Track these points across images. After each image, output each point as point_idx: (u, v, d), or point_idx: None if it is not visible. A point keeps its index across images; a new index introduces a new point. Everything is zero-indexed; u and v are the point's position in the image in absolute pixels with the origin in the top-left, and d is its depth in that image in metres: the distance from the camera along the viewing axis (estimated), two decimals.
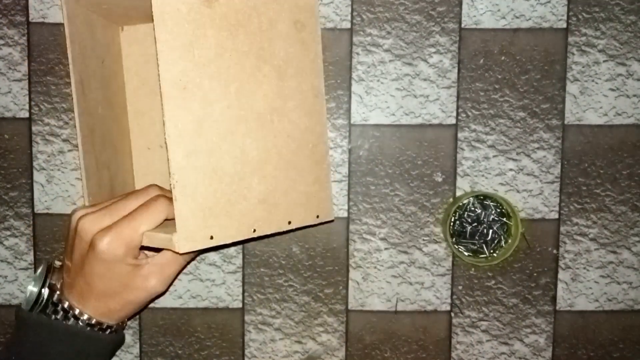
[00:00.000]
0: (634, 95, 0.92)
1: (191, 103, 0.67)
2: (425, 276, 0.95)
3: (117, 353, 0.94)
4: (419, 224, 0.94)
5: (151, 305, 0.93)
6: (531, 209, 0.94)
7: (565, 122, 0.93)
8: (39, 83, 0.91)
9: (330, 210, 0.86)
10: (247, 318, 0.95)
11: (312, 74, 0.83)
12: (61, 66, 0.91)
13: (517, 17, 0.91)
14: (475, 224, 0.92)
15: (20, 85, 0.91)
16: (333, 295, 0.95)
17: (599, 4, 0.91)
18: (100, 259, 0.71)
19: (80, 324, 0.75)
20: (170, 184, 0.65)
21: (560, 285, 0.95)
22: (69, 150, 0.92)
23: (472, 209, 0.92)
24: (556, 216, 0.94)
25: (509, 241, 0.92)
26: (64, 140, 0.92)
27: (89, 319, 0.75)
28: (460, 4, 0.92)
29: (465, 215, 0.92)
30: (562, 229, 0.94)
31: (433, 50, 0.92)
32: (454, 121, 0.93)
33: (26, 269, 0.93)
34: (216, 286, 0.94)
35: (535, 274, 0.95)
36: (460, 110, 0.92)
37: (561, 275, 0.95)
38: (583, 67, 0.92)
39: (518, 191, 0.93)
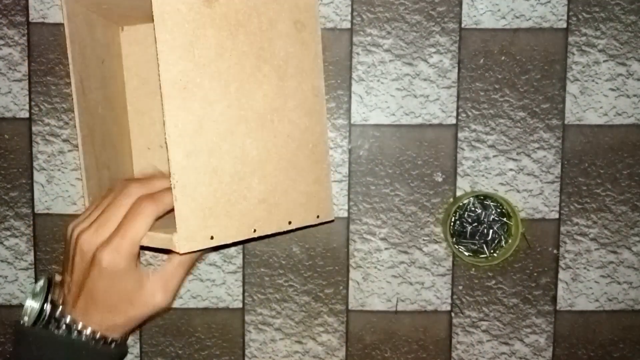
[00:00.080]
0: (634, 95, 0.92)
1: (191, 103, 0.67)
2: (425, 276, 0.95)
3: None
4: (419, 224, 0.94)
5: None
6: (531, 209, 0.94)
7: (566, 122, 0.93)
8: (39, 83, 0.91)
9: (331, 210, 0.86)
10: (247, 318, 0.95)
11: (312, 74, 0.83)
12: (61, 66, 0.91)
13: (517, 17, 0.91)
14: (476, 224, 0.92)
15: (20, 85, 0.91)
16: (333, 295, 0.95)
17: (599, 4, 0.91)
18: (103, 274, 0.70)
19: (84, 338, 0.72)
20: (171, 184, 0.65)
21: (560, 285, 0.95)
22: (69, 151, 0.92)
23: (473, 209, 0.92)
24: (556, 216, 0.94)
25: (509, 241, 0.92)
26: (64, 141, 0.92)
27: (93, 333, 0.72)
28: (460, 4, 0.92)
29: (466, 215, 0.92)
30: (562, 228, 0.94)
31: (433, 50, 0.92)
32: (454, 121, 0.93)
33: (26, 269, 0.93)
34: (216, 286, 0.94)
35: (535, 274, 0.95)
36: (460, 110, 0.92)
37: (561, 275, 0.95)
38: (583, 67, 0.92)
39: (518, 191, 0.93)
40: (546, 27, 0.92)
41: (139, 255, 0.72)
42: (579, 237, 0.94)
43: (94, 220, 0.72)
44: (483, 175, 0.93)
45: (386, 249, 0.94)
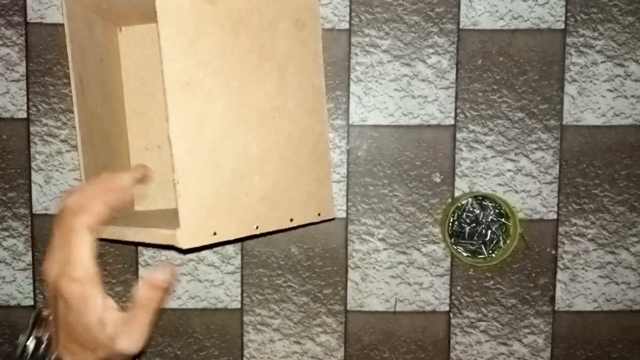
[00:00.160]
0: (632, 96, 0.93)
1: (194, 99, 0.67)
2: (424, 277, 0.95)
3: None
4: (417, 224, 0.94)
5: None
6: (530, 210, 0.94)
7: (564, 122, 0.93)
8: (37, 83, 0.91)
9: (332, 208, 0.87)
10: (245, 319, 0.95)
11: (312, 72, 0.83)
12: (59, 66, 0.91)
13: (515, 18, 0.92)
14: (474, 224, 0.92)
15: (18, 85, 0.91)
16: (332, 296, 0.95)
17: (596, 5, 0.92)
18: (68, 305, 0.65)
19: None
20: (174, 181, 0.65)
21: (558, 286, 0.95)
22: (67, 151, 0.92)
23: (471, 209, 0.92)
24: (554, 217, 0.94)
25: (508, 242, 0.92)
26: (62, 141, 0.92)
27: None
28: (458, 5, 0.92)
29: (464, 216, 0.92)
30: (560, 229, 0.94)
31: (431, 51, 0.92)
32: (452, 122, 0.93)
33: (24, 269, 0.93)
34: (215, 287, 0.94)
35: (533, 275, 0.95)
36: (458, 110, 0.93)
37: (560, 275, 0.95)
38: (581, 67, 0.92)
39: (516, 192, 0.94)
40: (544, 28, 0.92)
41: (101, 282, 0.69)
42: (577, 238, 0.94)
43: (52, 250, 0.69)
44: (481, 176, 0.93)
45: (385, 249, 0.94)
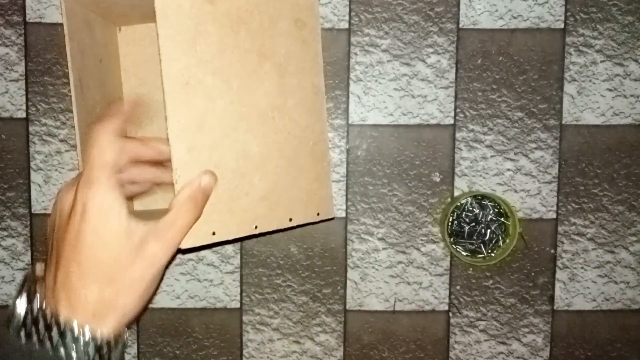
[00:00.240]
0: (632, 96, 0.93)
1: (194, 99, 0.67)
2: (423, 276, 0.95)
3: None
4: (417, 224, 0.94)
5: (149, 305, 0.93)
6: (529, 209, 0.94)
7: (563, 122, 0.93)
8: (36, 83, 0.91)
9: (331, 208, 0.87)
10: (245, 318, 0.95)
11: (312, 72, 0.83)
12: (58, 66, 0.91)
13: (514, 18, 0.92)
14: (473, 223, 0.92)
15: (17, 85, 0.91)
16: (331, 295, 0.95)
17: (596, 5, 0.92)
18: (85, 219, 0.57)
19: (69, 335, 0.56)
20: (173, 179, 0.65)
21: (557, 285, 0.95)
22: (66, 151, 0.92)
23: (470, 209, 0.92)
24: (554, 216, 0.94)
25: (507, 241, 0.92)
26: (62, 141, 0.92)
27: (77, 328, 0.57)
28: (458, 5, 0.92)
29: (463, 215, 0.92)
30: (559, 228, 0.94)
31: (431, 50, 0.92)
32: (451, 121, 0.93)
33: (23, 269, 0.93)
34: (214, 286, 0.94)
35: (533, 274, 0.95)
36: (458, 110, 0.93)
37: (559, 275, 0.95)
38: (580, 67, 0.92)
39: (516, 191, 0.94)
40: (544, 28, 0.92)
41: (131, 199, 0.62)
42: (576, 237, 0.94)
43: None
44: (481, 175, 0.93)
45: (384, 249, 0.94)
